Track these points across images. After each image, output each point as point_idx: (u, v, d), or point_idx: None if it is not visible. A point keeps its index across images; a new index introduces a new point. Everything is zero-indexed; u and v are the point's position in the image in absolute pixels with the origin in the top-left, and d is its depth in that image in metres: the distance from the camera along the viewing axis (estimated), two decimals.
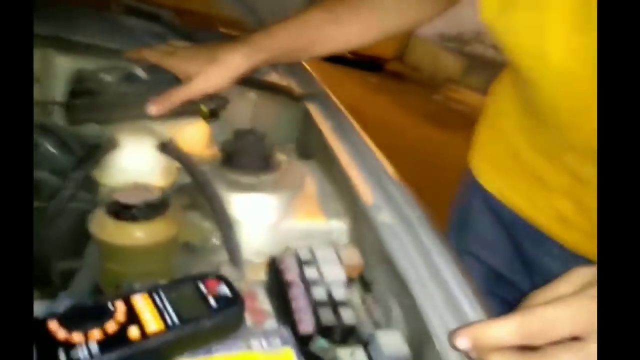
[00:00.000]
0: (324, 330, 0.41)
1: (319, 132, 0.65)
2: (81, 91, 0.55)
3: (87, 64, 0.63)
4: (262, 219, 0.53)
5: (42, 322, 0.28)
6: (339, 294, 0.44)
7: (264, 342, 0.34)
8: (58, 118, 0.57)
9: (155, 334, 0.29)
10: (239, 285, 0.38)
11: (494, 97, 0.67)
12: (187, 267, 0.51)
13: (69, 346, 0.27)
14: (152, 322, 0.30)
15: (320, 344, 0.38)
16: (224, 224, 0.48)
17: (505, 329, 0.28)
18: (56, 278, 0.53)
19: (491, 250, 0.67)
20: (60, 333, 0.28)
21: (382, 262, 0.47)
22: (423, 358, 0.39)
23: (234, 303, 0.33)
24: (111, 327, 0.29)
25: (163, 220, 0.46)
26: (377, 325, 0.44)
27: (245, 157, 0.54)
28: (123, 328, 0.29)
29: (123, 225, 0.44)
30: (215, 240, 0.51)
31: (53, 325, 0.28)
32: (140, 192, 0.46)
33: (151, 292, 0.32)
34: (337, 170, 0.59)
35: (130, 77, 0.59)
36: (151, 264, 0.46)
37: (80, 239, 0.51)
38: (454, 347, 0.30)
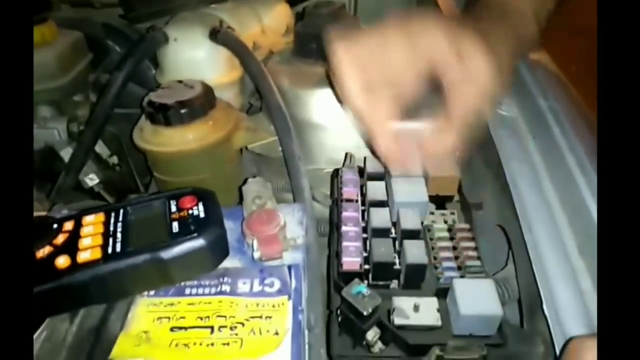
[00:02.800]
0: (377, 269, 0.29)
1: None
2: None
3: None
4: (339, 119, 0.41)
5: None
6: (410, 221, 0.31)
7: (255, 285, 0.24)
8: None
9: (86, 264, 0.23)
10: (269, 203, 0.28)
11: None
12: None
13: None
14: (88, 250, 0.23)
15: (356, 289, 0.27)
16: (281, 131, 0.38)
17: None
18: (142, 188, 0.53)
19: None
20: None
21: (497, 177, 0.32)
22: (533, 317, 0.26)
23: (202, 230, 0.24)
24: (44, 251, 0.23)
25: (204, 122, 0.39)
26: (466, 269, 0.30)
27: (317, 38, 0.42)
28: (53, 254, 0.23)
29: (158, 130, 0.38)
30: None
31: None
32: (179, 91, 0.39)
33: (111, 211, 0.25)
34: None
35: None
36: (198, 173, 0.40)
37: None
38: None
